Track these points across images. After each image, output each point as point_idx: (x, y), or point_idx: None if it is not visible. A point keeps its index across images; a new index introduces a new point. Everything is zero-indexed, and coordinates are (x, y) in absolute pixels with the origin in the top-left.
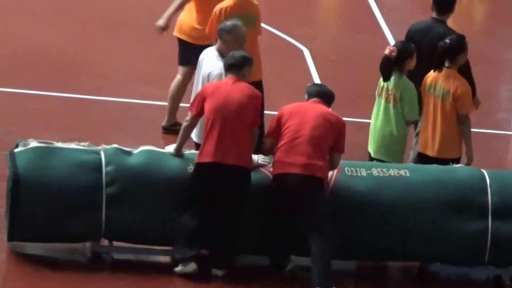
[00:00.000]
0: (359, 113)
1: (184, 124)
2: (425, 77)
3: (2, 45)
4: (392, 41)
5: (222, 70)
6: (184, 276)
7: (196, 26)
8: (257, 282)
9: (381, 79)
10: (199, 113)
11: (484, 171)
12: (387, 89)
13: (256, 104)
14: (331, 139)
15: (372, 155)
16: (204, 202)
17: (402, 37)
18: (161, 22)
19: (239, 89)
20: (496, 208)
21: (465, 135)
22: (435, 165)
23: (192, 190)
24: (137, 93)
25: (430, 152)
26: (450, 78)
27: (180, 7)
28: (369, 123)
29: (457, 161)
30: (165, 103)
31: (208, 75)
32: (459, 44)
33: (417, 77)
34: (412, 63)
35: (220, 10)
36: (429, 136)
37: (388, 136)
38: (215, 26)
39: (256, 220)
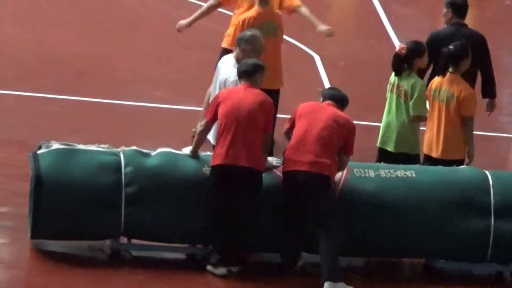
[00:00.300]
0: (368, 116)
1: (199, 128)
2: (430, 83)
3: (22, 50)
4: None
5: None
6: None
7: None
8: (269, 278)
9: (392, 76)
10: (213, 119)
11: (487, 172)
12: (398, 86)
13: (267, 110)
14: (340, 140)
15: (393, 150)
16: (219, 202)
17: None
18: (184, 22)
19: (252, 95)
20: (498, 207)
21: (468, 136)
22: (440, 167)
23: (209, 192)
24: (153, 97)
25: (435, 153)
26: (454, 82)
27: (206, 13)
28: (377, 126)
29: (461, 162)
30: (180, 107)
31: (225, 81)
32: (462, 50)
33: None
34: (422, 62)
35: (243, 20)
36: (434, 138)
37: (403, 130)
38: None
39: (268, 219)
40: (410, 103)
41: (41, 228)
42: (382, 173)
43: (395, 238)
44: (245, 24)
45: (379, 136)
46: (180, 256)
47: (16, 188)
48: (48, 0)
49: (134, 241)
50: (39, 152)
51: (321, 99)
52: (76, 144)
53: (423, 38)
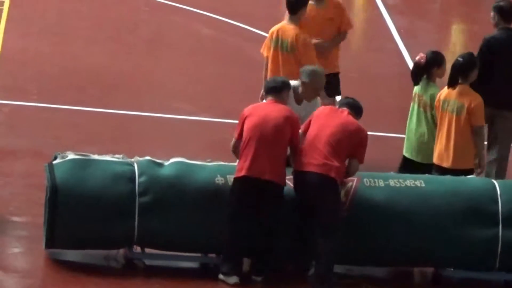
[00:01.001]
0: (378, 127)
1: (231, 149)
2: (439, 94)
3: (49, 65)
4: (409, 60)
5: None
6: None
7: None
8: (282, 285)
9: (415, 87)
10: (240, 137)
11: (495, 181)
12: (419, 96)
13: (292, 124)
14: (349, 146)
15: (409, 157)
16: (242, 214)
17: (416, 52)
18: None
19: (277, 110)
20: (506, 216)
21: (479, 146)
22: (448, 176)
23: (231, 203)
24: (171, 108)
25: (446, 163)
26: (464, 93)
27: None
28: (387, 137)
29: (470, 171)
30: (197, 118)
31: None
32: (471, 62)
33: (504, 85)
34: (440, 72)
35: (270, 33)
36: (443, 148)
37: (421, 139)
38: (264, 48)
39: (285, 229)
40: (434, 114)
41: (56, 237)
42: (392, 182)
43: (405, 247)
44: (269, 37)
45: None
46: (193, 265)
47: (34, 198)
48: (75, 17)
49: (147, 250)
50: (54, 162)
51: (338, 106)
52: (91, 154)
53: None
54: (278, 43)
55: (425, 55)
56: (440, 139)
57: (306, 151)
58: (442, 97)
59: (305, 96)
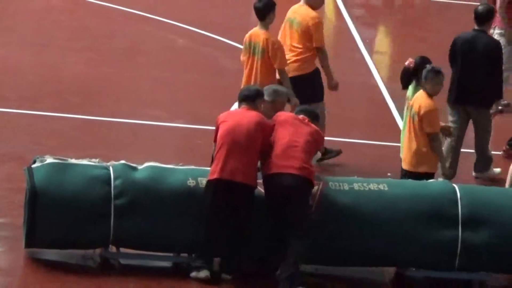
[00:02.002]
0: (346, 134)
1: (212, 153)
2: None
3: (29, 73)
4: (374, 70)
5: None
6: (196, 280)
7: None
8: (258, 284)
9: (407, 93)
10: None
11: (455, 185)
12: (410, 102)
13: (264, 130)
14: (315, 151)
15: (403, 166)
16: (214, 215)
17: (384, 67)
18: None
19: (249, 116)
20: (466, 218)
21: (437, 153)
22: (410, 180)
23: (204, 205)
24: (146, 115)
25: (406, 166)
26: (418, 98)
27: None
28: (355, 143)
29: (430, 176)
30: (172, 124)
31: None
32: (421, 64)
33: (468, 82)
34: None
35: (244, 40)
36: (406, 151)
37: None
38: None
39: (255, 229)
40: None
41: (35, 237)
42: (356, 186)
43: (369, 247)
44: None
45: None
46: (166, 264)
47: (15, 200)
48: (53, 27)
49: (122, 250)
50: (33, 166)
51: (295, 113)
52: (69, 159)
53: (397, 61)
54: (251, 48)
55: (413, 60)
56: (404, 142)
57: (282, 155)
58: (410, 100)
59: (266, 113)
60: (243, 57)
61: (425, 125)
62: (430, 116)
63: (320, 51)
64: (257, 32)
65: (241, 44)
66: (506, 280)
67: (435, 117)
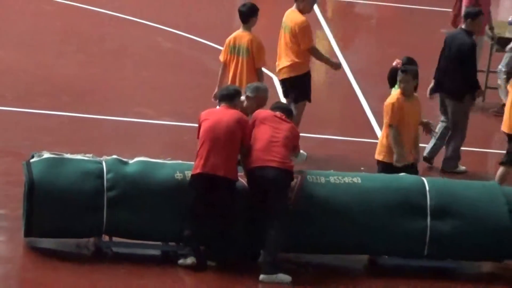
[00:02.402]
0: (322, 130)
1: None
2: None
3: (24, 74)
4: (348, 70)
5: None
6: (183, 267)
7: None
8: (240, 270)
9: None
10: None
11: (424, 178)
12: None
13: (243, 127)
14: (292, 145)
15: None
16: (198, 206)
17: (357, 68)
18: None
19: (229, 114)
20: (434, 209)
21: (392, 143)
22: (382, 174)
23: (189, 198)
24: (134, 113)
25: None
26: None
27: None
28: (330, 139)
29: (387, 165)
30: (159, 122)
31: None
32: (408, 64)
33: (442, 75)
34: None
35: (227, 41)
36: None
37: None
38: (221, 54)
39: (238, 219)
40: None
41: (33, 227)
42: (332, 179)
43: (344, 236)
44: (225, 45)
45: None
46: (155, 252)
47: (12, 193)
48: (47, 31)
49: (114, 239)
50: (31, 160)
51: (271, 110)
52: (64, 154)
53: (370, 62)
54: (235, 49)
55: (401, 61)
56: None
57: (264, 150)
58: None
59: (249, 109)
60: (223, 57)
61: (384, 115)
62: (388, 109)
63: (310, 51)
64: (241, 34)
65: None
66: (472, 267)
67: (390, 111)
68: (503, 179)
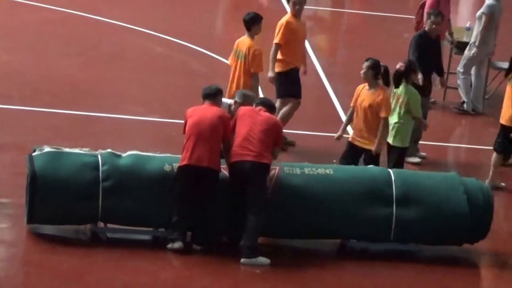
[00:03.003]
0: (300, 127)
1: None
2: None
3: (29, 75)
4: (322, 73)
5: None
6: (172, 250)
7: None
8: (223, 254)
9: (394, 88)
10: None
11: (390, 170)
12: (398, 95)
13: (225, 123)
14: (272, 137)
15: (391, 143)
16: (185, 195)
17: (329, 69)
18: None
19: (213, 111)
20: (399, 198)
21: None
22: (353, 166)
23: (176, 187)
24: (127, 111)
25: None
26: None
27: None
28: (306, 135)
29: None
30: (149, 118)
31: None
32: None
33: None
34: (415, 76)
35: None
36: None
37: (397, 127)
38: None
39: (221, 207)
40: (412, 109)
41: (35, 215)
42: (306, 170)
43: (317, 223)
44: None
45: None
46: (146, 237)
47: (17, 183)
48: (50, 36)
49: (109, 225)
50: (33, 154)
51: (254, 105)
52: (63, 148)
53: (340, 63)
54: (237, 53)
55: (404, 64)
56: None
57: (241, 145)
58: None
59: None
60: (230, 60)
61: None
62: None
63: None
64: (243, 40)
65: (209, 51)
66: (432, 250)
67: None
68: (496, 165)
